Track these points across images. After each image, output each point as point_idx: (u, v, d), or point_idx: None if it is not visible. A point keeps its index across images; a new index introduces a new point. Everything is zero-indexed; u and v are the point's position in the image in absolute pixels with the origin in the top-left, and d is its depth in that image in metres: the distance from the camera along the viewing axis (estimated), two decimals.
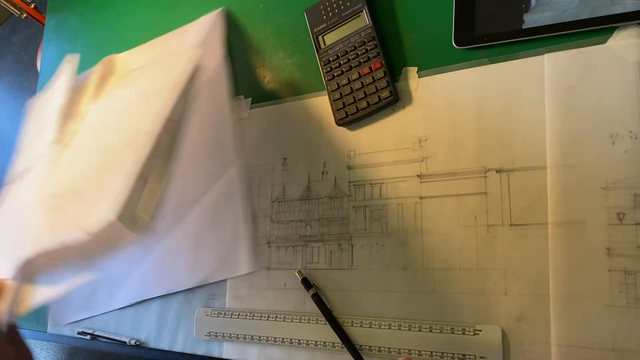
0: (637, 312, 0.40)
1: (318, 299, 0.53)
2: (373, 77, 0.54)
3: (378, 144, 0.54)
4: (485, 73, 0.49)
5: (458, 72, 0.51)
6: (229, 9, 0.69)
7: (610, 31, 0.45)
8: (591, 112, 0.44)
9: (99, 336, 0.69)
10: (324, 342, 0.52)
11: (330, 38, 0.58)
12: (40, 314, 0.77)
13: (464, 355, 0.45)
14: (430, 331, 0.47)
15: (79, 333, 0.71)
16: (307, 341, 0.53)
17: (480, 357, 0.44)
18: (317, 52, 0.59)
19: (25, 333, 0.77)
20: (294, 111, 0.60)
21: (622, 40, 0.44)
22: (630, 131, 0.43)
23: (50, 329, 0.76)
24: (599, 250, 0.42)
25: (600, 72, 0.44)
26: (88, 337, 0.70)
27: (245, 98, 0.65)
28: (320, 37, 0.59)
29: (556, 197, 0.44)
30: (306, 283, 0.54)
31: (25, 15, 1.08)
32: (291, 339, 0.54)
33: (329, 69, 0.57)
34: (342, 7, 0.57)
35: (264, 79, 0.65)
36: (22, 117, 1.03)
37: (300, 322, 0.54)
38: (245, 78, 0.66)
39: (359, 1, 0.56)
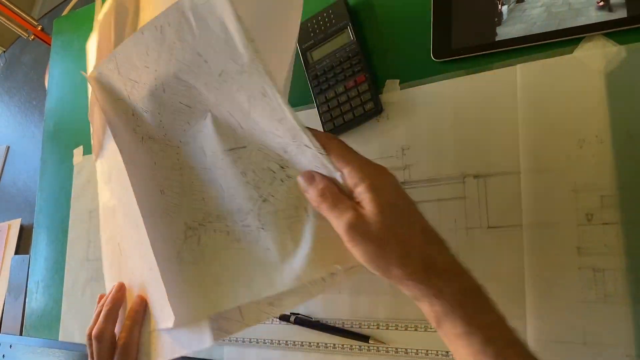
0: (605, 307, 0.42)
1: (301, 321, 0.57)
2: (358, 90, 0.57)
3: (364, 153, 0.54)
4: (462, 84, 0.52)
5: (437, 83, 0.53)
6: None
7: (576, 42, 0.47)
8: (560, 119, 0.47)
9: None
10: (318, 343, 0.55)
11: (317, 54, 0.61)
12: (53, 321, 0.81)
13: (447, 352, 0.48)
14: (415, 330, 0.50)
15: None
16: (302, 342, 0.56)
17: None
18: (306, 67, 0.62)
19: (36, 341, 0.82)
20: None
21: (587, 51, 0.47)
22: (597, 136, 0.45)
23: (61, 337, 0.79)
24: (570, 250, 0.44)
25: (568, 81, 0.47)
26: None
27: None
28: (308, 53, 0.62)
29: (529, 200, 0.47)
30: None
31: (32, 37, 1.12)
32: (287, 341, 0.57)
33: (316, 82, 0.60)
34: (329, 24, 0.60)
35: None
36: (31, 134, 1.08)
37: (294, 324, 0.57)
38: None
39: (344, 18, 0.59)
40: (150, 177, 0.46)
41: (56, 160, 0.91)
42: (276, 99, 0.36)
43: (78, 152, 0.86)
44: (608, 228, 0.43)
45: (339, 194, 0.35)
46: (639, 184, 0.43)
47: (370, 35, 0.59)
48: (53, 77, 0.98)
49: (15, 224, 0.99)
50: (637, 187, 0.43)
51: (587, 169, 0.45)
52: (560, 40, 0.48)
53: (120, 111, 0.46)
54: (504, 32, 0.51)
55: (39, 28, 1.15)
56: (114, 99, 0.46)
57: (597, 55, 0.46)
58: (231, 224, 0.43)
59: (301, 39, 0.62)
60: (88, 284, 0.78)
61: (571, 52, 0.47)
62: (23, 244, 0.97)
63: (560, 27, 0.48)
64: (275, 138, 0.39)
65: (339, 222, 0.34)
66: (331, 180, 0.36)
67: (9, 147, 1.12)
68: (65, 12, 1.10)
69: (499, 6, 0.51)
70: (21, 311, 0.88)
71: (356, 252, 0.34)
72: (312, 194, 0.36)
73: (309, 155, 0.38)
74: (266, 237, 0.41)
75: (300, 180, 0.38)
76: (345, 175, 0.35)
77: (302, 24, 0.62)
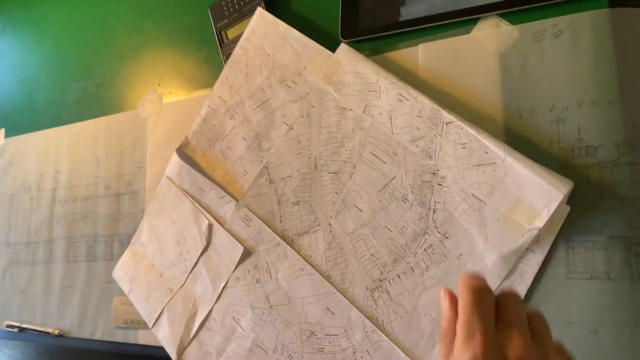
0: None
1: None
2: None
3: None
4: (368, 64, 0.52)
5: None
6: (143, 5, 0.71)
7: (474, 22, 0.47)
8: (457, 98, 0.47)
9: (26, 328, 0.71)
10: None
11: (231, 33, 0.60)
12: None
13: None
14: None
15: (7, 326, 0.73)
16: None
17: None
18: (221, 46, 0.61)
19: None
20: (203, 103, 0.62)
21: (483, 30, 0.47)
22: (490, 115, 0.46)
23: None
24: None
25: (465, 60, 0.47)
26: (16, 329, 0.72)
27: (157, 93, 0.67)
28: (223, 32, 0.61)
29: None
30: None
31: None
32: None
33: None
34: (242, 3, 0.59)
35: (175, 73, 0.67)
36: None
37: None
38: (158, 72, 0.68)
39: None
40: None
41: None
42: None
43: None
44: None
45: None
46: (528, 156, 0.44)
47: (281, 14, 0.58)
48: None
49: None
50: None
51: None
52: (459, 20, 0.48)
53: None
54: (407, 12, 0.50)
55: None
56: None
57: (491, 35, 0.46)
58: (412, 259, 0.46)
59: (215, 18, 0.61)
60: (8, 268, 0.75)
61: (469, 32, 0.48)
62: None
63: (459, 7, 0.48)
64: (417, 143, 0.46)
65: None
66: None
67: None
68: None
69: None
70: None
71: None
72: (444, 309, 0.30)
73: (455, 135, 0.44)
74: (455, 242, 0.44)
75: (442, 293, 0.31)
76: None
77: (217, 2, 0.61)
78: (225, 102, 0.58)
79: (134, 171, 0.67)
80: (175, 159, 0.59)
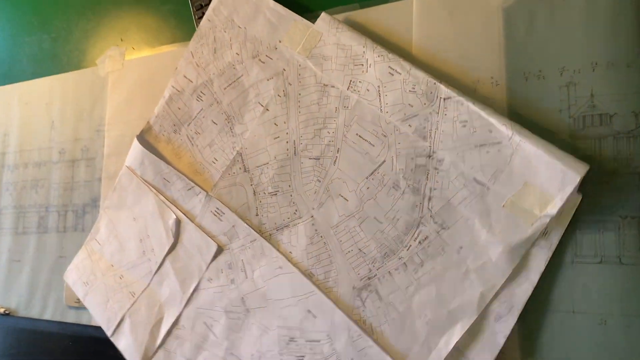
0: None
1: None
2: None
3: None
4: (358, 17, 0.46)
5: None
6: None
7: None
8: (455, 57, 0.42)
9: None
10: None
11: None
12: None
13: None
14: None
15: None
16: None
17: None
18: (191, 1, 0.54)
19: None
20: (169, 60, 0.56)
21: None
22: (492, 77, 0.40)
23: None
24: None
25: (465, 16, 0.42)
26: None
27: (119, 48, 0.61)
28: None
29: None
30: None
31: None
32: None
33: (201, 14, 0.53)
34: None
35: (139, 26, 0.60)
36: None
37: None
38: (120, 26, 0.62)
39: None
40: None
41: None
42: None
43: None
44: None
45: None
46: (534, 130, 0.38)
47: None
48: None
49: None
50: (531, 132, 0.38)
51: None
52: None
53: None
54: None
55: None
56: None
57: None
58: (405, 253, 0.40)
59: None
60: None
61: None
62: None
63: None
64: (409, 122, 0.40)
65: None
66: None
67: None
68: None
69: None
70: None
71: None
72: None
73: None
74: (454, 234, 0.39)
75: None
76: None
77: None
78: (191, 81, 0.51)
79: (91, 135, 0.61)
80: (136, 146, 0.52)
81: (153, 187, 0.51)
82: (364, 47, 0.43)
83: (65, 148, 0.63)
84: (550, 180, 0.35)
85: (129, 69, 0.59)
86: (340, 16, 0.47)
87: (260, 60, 0.48)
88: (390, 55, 0.42)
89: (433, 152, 0.40)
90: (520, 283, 0.36)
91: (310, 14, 0.47)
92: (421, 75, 0.40)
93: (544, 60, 0.39)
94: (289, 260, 0.44)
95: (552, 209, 0.35)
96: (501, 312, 0.36)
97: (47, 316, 0.60)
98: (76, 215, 0.60)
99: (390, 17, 0.45)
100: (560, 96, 0.38)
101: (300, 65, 0.46)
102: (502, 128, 0.37)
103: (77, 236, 0.60)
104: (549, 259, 0.36)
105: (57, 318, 0.59)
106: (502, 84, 0.40)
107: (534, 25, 0.40)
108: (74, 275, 0.56)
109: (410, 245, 0.40)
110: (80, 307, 0.57)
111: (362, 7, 0.46)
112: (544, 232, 0.36)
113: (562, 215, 0.35)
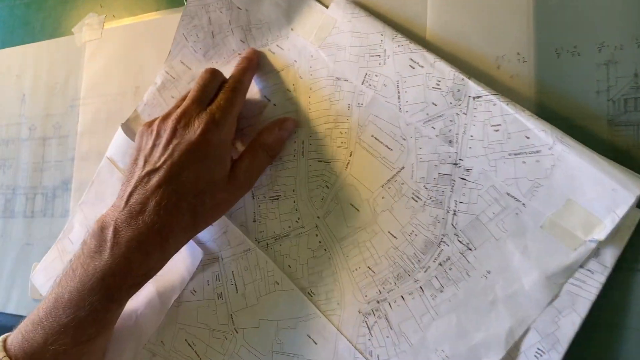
0: None
1: None
2: None
3: None
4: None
5: None
6: None
7: None
8: (477, 29, 0.37)
9: None
10: None
11: None
12: None
13: None
14: None
15: None
16: None
17: None
18: None
19: None
20: (153, 30, 0.51)
21: None
22: (518, 53, 0.35)
23: None
24: None
25: None
26: None
27: (98, 16, 0.55)
28: None
29: None
30: None
31: None
32: None
33: None
34: None
35: None
36: None
37: None
38: None
39: None
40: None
41: None
42: None
43: None
44: None
45: None
46: (566, 113, 0.34)
47: None
48: None
49: None
50: (563, 117, 0.34)
51: (505, 93, 0.34)
52: None
53: None
54: None
55: None
56: None
57: None
58: (422, 275, 0.34)
59: None
60: None
61: None
62: None
63: None
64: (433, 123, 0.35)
65: None
66: None
67: None
68: None
69: None
70: None
71: None
72: None
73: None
74: (482, 256, 0.33)
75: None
76: None
77: None
78: (189, 69, 0.46)
79: (65, 110, 0.55)
80: (120, 136, 0.47)
81: None
82: (381, 35, 0.38)
83: (35, 124, 0.57)
84: (598, 199, 0.30)
85: (108, 38, 0.54)
86: None
87: (270, 50, 0.43)
88: (411, 45, 0.37)
89: (460, 159, 0.35)
90: (565, 314, 0.31)
91: None
92: (447, 69, 0.35)
93: (579, 35, 0.34)
94: (287, 276, 0.39)
95: (600, 233, 0.30)
96: (543, 347, 0.31)
97: (10, 310, 0.54)
98: (45, 199, 0.55)
99: None
100: (597, 76, 0.33)
101: (312, 56, 0.41)
102: (542, 134, 0.32)
103: (46, 222, 0.54)
104: (602, 287, 0.30)
105: (21, 312, 0.53)
106: (529, 61, 0.35)
107: None
108: (43, 277, 0.50)
109: (429, 267, 0.35)
110: None
111: None
112: (595, 254, 0.30)
113: (618, 234, 0.30)
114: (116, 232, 0.34)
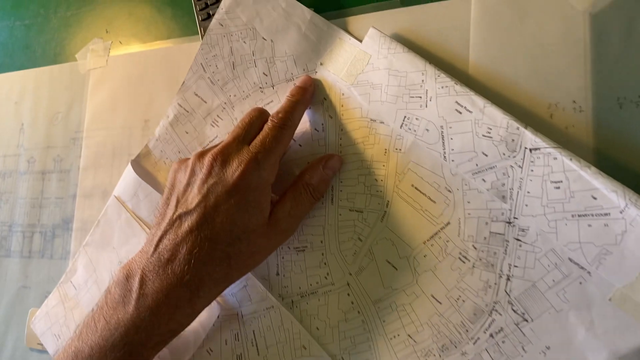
0: None
1: None
2: None
3: None
4: (399, 17, 0.38)
5: (368, 15, 0.39)
6: None
7: None
8: (527, 74, 0.33)
9: None
10: None
11: None
12: None
13: None
14: None
15: None
16: None
17: None
18: None
19: None
20: (163, 58, 0.48)
21: None
22: (574, 101, 0.32)
23: None
24: None
25: (539, 23, 0.34)
26: None
27: (104, 41, 0.52)
28: None
29: None
30: None
31: None
32: None
33: (205, 15, 0.45)
34: None
35: (128, 16, 0.51)
36: None
37: None
38: (106, 14, 0.53)
39: None
40: None
41: None
42: None
43: None
44: None
45: None
46: (631, 168, 0.31)
47: None
48: None
49: None
50: (627, 171, 0.31)
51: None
52: None
53: None
54: None
55: None
56: None
57: None
58: (471, 347, 0.31)
59: None
60: None
61: None
62: None
63: None
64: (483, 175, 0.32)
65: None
66: None
67: None
68: None
69: None
70: None
71: None
72: None
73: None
74: (540, 329, 0.30)
75: None
76: None
77: None
78: (205, 102, 0.42)
79: (66, 143, 0.52)
80: (129, 174, 0.43)
81: (147, 225, 0.42)
82: (422, 74, 0.34)
83: (35, 156, 0.53)
84: None
85: (114, 66, 0.51)
86: (378, 15, 0.38)
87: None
88: (457, 87, 0.33)
89: (514, 217, 0.31)
90: None
91: (341, 10, 0.39)
92: (499, 115, 0.32)
93: None
94: (314, 339, 0.35)
95: None
96: None
97: (4, 358, 0.51)
98: (44, 238, 0.51)
99: (442, 19, 0.36)
100: None
101: (343, 95, 0.37)
102: (612, 195, 0.28)
103: (44, 264, 0.50)
104: None
105: None
106: (586, 111, 0.32)
107: (632, 36, 0.31)
108: (43, 325, 0.46)
109: (479, 338, 0.31)
110: (43, 350, 0.47)
111: (403, 4, 0.38)
112: None
113: None
114: (143, 281, 0.31)
